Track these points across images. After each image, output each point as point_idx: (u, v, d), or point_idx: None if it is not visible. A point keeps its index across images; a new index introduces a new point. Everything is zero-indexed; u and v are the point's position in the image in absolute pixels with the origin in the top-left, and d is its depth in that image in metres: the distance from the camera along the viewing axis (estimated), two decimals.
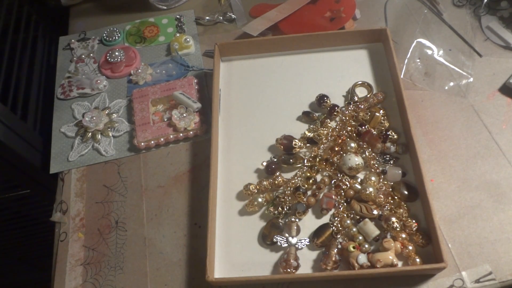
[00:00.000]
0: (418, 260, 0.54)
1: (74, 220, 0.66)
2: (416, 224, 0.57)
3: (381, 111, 0.67)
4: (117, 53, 0.81)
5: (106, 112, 0.75)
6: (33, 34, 0.91)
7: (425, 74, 0.73)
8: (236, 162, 0.67)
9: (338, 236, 0.58)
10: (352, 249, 0.55)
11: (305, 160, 0.64)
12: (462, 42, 0.76)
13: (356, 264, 0.54)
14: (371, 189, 0.59)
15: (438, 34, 0.78)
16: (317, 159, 0.64)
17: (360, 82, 0.72)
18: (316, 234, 0.59)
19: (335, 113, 0.68)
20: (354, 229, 0.58)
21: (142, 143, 0.70)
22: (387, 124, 0.66)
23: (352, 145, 0.64)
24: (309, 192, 0.62)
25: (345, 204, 0.60)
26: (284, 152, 0.66)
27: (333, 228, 0.58)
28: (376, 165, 0.63)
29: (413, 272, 0.54)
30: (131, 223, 0.65)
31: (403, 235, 0.56)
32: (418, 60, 0.74)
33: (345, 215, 0.60)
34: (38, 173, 0.79)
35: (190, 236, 0.62)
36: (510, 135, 0.65)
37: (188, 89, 0.74)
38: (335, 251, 0.56)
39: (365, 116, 0.67)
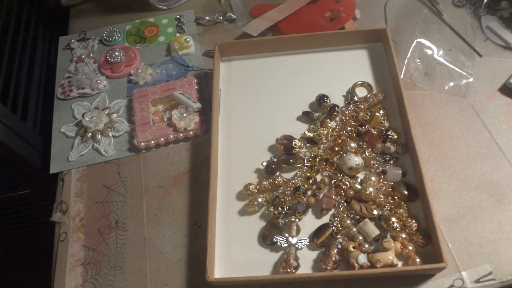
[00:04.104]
0: (418, 260, 0.54)
1: (74, 220, 0.66)
2: (416, 224, 0.57)
3: (381, 111, 0.67)
4: (117, 53, 0.81)
5: (106, 112, 0.75)
6: (33, 34, 0.91)
7: (425, 74, 0.73)
8: (236, 162, 0.67)
9: (338, 236, 0.58)
10: (352, 249, 0.55)
11: (305, 160, 0.64)
12: (462, 42, 0.76)
13: (356, 264, 0.54)
14: (371, 189, 0.59)
15: (438, 34, 0.78)
16: (317, 159, 0.64)
17: (360, 82, 0.72)
18: (316, 234, 0.59)
19: (335, 113, 0.68)
20: (354, 229, 0.58)
21: (142, 143, 0.70)
22: (387, 124, 0.66)
23: (352, 145, 0.64)
24: (309, 192, 0.62)
25: (345, 204, 0.60)
26: (284, 152, 0.66)
27: (333, 228, 0.58)
28: (376, 165, 0.63)
29: (413, 272, 0.54)
30: (131, 223, 0.65)
31: (403, 235, 0.56)
32: (418, 60, 0.74)
33: (345, 215, 0.60)
34: (38, 173, 0.79)
35: (190, 236, 0.62)
36: (510, 135, 0.65)
37: (188, 89, 0.74)
38: (335, 251, 0.56)
39: (365, 116, 0.67)
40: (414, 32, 0.78)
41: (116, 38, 0.86)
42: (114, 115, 0.75)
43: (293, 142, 0.65)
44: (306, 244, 0.58)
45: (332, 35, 0.75)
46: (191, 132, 0.71)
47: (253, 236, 0.60)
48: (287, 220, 0.60)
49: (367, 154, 0.63)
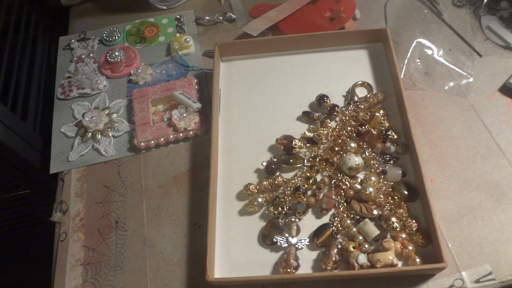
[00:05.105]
0: (418, 260, 0.54)
1: (74, 220, 0.66)
2: (416, 224, 0.57)
3: (381, 111, 0.67)
4: (117, 53, 0.81)
5: (106, 112, 0.75)
6: (33, 34, 0.91)
7: (425, 74, 0.73)
8: (236, 162, 0.67)
9: (338, 236, 0.58)
10: (352, 249, 0.55)
11: (305, 160, 0.64)
12: (462, 42, 0.76)
13: (356, 264, 0.54)
14: (371, 189, 0.59)
15: (438, 34, 0.78)
16: (317, 159, 0.64)
17: (360, 82, 0.72)
18: (316, 234, 0.59)
19: (335, 113, 0.68)
20: (354, 229, 0.58)
21: (142, 143, 0.70)
22: (387, 124, 0.66)
23: (352, 145, 0.64)
24: (309, 192, 0.62)
25: (345, 204, 0.60)
26: (284, 152, 0.66)
27: (333, 228, 0.58)
28: (376, 165, 0.62)
29: (413, 272, 0.54)
30: (131, 223, 0.65)
31: (403, 235, 0.56)
32: (418, 60, 0.74)
33: (345, 215, 0.60)
34: (38, 173, 0.79)
35: (190, 236, 0.62)
36: (510, 135, 0.65)
37: (188, 89, 0.74)
38: (335, 251, 0.56)
39: (365, 116, 0.67)
40: (414, 32, 0.78)
41: (116, 38, 0.86)
42: (114, 115, 0.75)
43: (293, 142, 0.65)
44: (306, 244, 0.58)
45: (332, 35, 0.75)
46: (191, 132, 0.71)
47: (253, 236, 0.60)
48: (287, 220, 0.60)
49: (367, 154, 0.63)
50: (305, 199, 0.61)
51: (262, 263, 0.58)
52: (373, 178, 0.61)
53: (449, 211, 0.60)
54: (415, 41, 0.75)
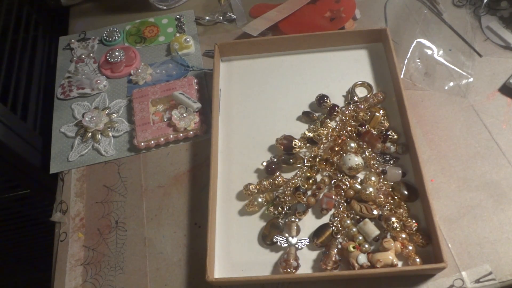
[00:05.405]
0: (418, 260, 0.54)
1: (74, 220, 0.66)
2: (416, 224, 0.57)
3: (381, 111, 0.67)
4: (117, 53, 0.81)
5: (106, 112, 0.75)
6: (33, 34, 0.91)
7: (425, 74, 0.73)
8: (236, 162, 0.67)
9: (338, 236, 0.58)
10: (352, 249, 0.55)
11: (305, 160, 0.64)
12: (462, 42, 0.76)
13: (356, 264, 0.54)
14: (371, 189, 0.59)
15: (438, 34, 0.78)
16: (317, 159, 0.64)
17: (360, 82, 0.72)
18: (316, 234, 0.59)
19: (335, 113, 0.68)
20: (354, 229, 0.58)
21: (142, 143, 0.70)
22: (387, 124, 0.66)
23: (352, 145, 0.64)
24: (309, 192, 0.62)
25: (345, 204, 0.60)
26: (284, 152, 0.66)
27: (333, 228, 0.58)
28: (376, 165, 0.62)
29: (413, 272, 0.54)
30: (131, 223, 0.65)
31: (403, 235, 0.56)
32: (418, 60, 0.74)
33: (345, 215, 0.60)
34: (38, 173, 0.79)
35: (190, 236, 0.62)
36: (510, 135, 0.65)
37: (188, 89, 0.74)
38: (335, 251, 0.56)
39: (365, 116, 0.67)
40: (414, 32, 0.78)
41: (116, 38, 0.86)
42: (114, 115, 0.75)
43: (293, 142, 0.65)
44: (306, 244, 0.58)
45: (332, 35, 0.75)
46: (191, 132, 0.71)
47: (253, 236, 0.60)
48: (287, 220, 0.60)
49: (367, 154, 0.63)
50: (305, 199, 0.61)
51: (262, 263, 0.58)
52: (373, 178, 0.61)
53: (449, 211, 0.60)
54: (415, 41, 0.75)
